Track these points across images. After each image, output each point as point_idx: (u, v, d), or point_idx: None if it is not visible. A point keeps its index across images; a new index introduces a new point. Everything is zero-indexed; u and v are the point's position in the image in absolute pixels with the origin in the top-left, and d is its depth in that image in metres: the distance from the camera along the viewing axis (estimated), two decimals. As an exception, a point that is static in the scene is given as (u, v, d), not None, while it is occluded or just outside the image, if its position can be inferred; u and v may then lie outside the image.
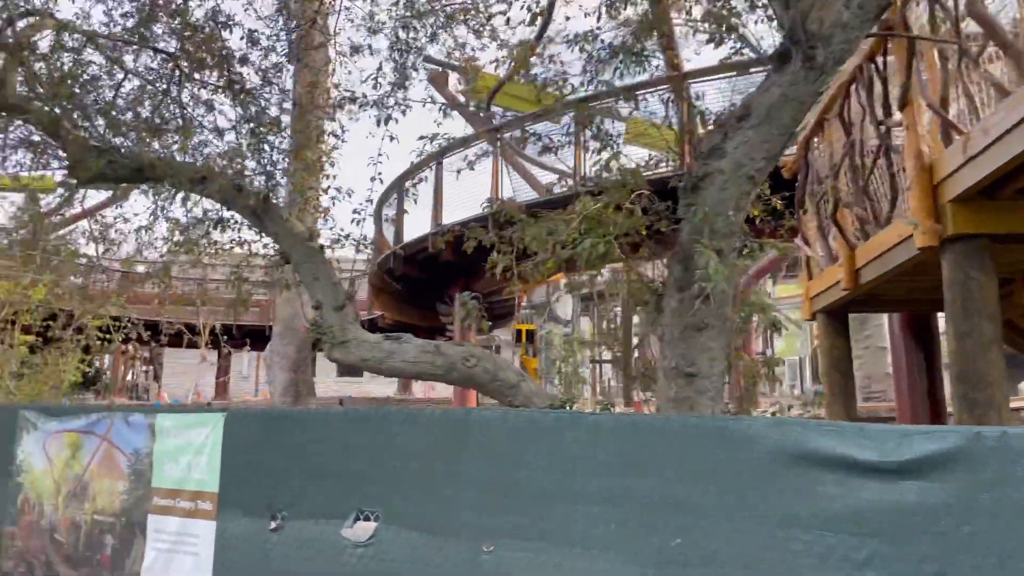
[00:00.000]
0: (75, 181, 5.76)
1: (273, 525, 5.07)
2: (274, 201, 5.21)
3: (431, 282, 16.20)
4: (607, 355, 26.90)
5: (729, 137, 3.97)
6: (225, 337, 21.97)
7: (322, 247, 5.33)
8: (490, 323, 7.04)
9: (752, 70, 9.80)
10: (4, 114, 5.95)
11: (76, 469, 6.35)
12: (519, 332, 22.54)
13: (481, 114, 20.22)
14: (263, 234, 5.29)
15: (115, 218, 7.91)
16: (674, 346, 4.19)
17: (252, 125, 5.63)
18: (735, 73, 11.85)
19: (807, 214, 8.45)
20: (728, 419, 4.01)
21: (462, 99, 23.63)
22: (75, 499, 6.31)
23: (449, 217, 15.14)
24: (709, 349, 4.17)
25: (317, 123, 7.52)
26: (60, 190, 10.38)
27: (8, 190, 9.31)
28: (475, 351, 5.03)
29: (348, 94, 6.86)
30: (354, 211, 6.79)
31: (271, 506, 5.12)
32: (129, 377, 41.90)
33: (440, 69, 23.37)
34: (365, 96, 5.88)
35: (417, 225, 16.56)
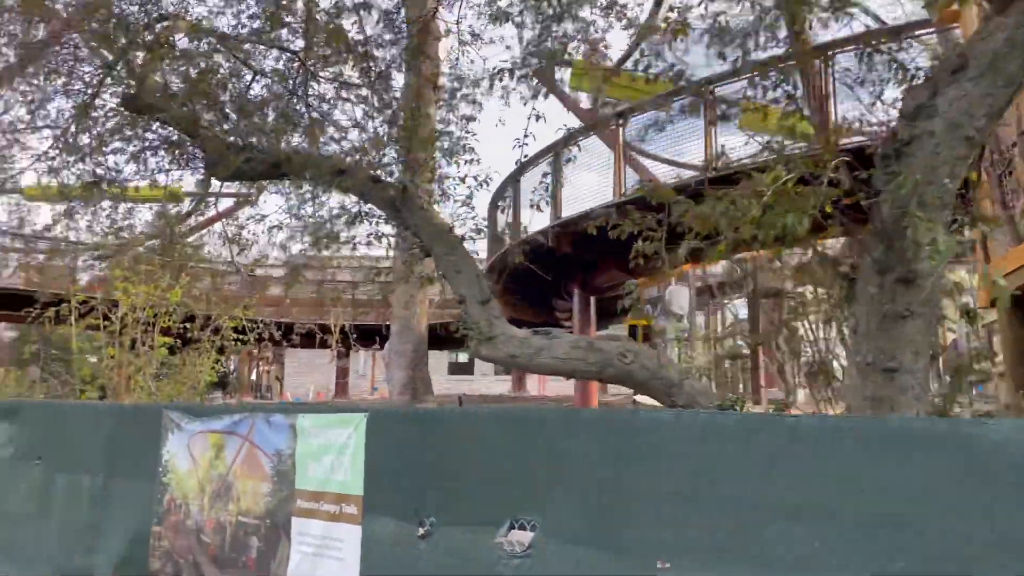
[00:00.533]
0: (213, 178, 5.76)
1: (421, 531, 4.81)
2: (412, 192, 4.98)
3: (547, 278, 15.89)
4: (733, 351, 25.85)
5: (940, 93, 3.41)
6: (355, 335, 22.35)
7: (462, 238, 5.08)
8: (650, 315, 6.57)
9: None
10: (143, 115, 5.99)
11: (220, 469, 6.33)
12: (633, 328, 21.93)
13: (590, 106, 19.78)
14: (401, 227, 5.07)
15: (248, 219, 7.93)
16: (871, 338, 3.66)
17: (390, 111, 5.43)
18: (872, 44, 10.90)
19: (983, 188, 7.58)
20: (964, 422, 3.44)
21: (568, 91, 23.23)
22: (220, 500, 6.29)
23: (564, 213, 14.80)
24: (913, 341, 3.62)
25: (429, 115, 7.31)
26: (188, 200, 10.68)
27: (139, 200, 9.57)
28: (632, 346, 4.63)
29: (471, 78, 6.59)
30: (463, 203, 6.53)
31: (418, 511, 4.87)
32: (253, 377, 43.72)
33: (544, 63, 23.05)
34: (498, 75, 5.59)
35: (531, 221, 16.26)
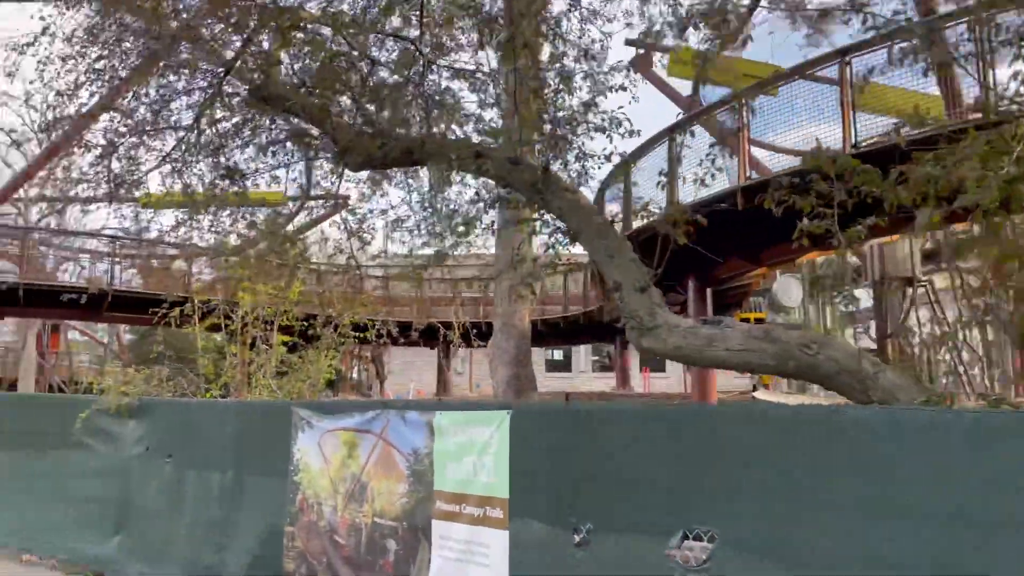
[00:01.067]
0: (344, 168, 5.57)
1: (577, 539, 4.44)
2: (555, 175, 4.63)
3: (659, 271, 15.31)
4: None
5: None
6: (474, 332, 22.25)
7: (612, 221, 4.69)
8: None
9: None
10: (270, 106, 5.85)
11: (353, 469, 6.15)
12: (743, 321, 21.04)
13: (691, 94, 19.00)
14: (544, 211, 4.73)
15: (369, 212, 7.75)
16: None
17: (531, 89, 5.11)
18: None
19: None
20: None
21: (667, 79, 22.48)
22: (354, 500, 6.10)
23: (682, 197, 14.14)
24: None
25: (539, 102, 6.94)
26: (291, 203, 10.70)
27: (241, 205, 9.58)
28: (816, 336, 4.13)
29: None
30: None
31: (573, 517, 4.50)
32: (354, 374, 44.53)
33: (642, 51, 22.37)
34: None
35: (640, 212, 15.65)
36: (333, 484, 6.31)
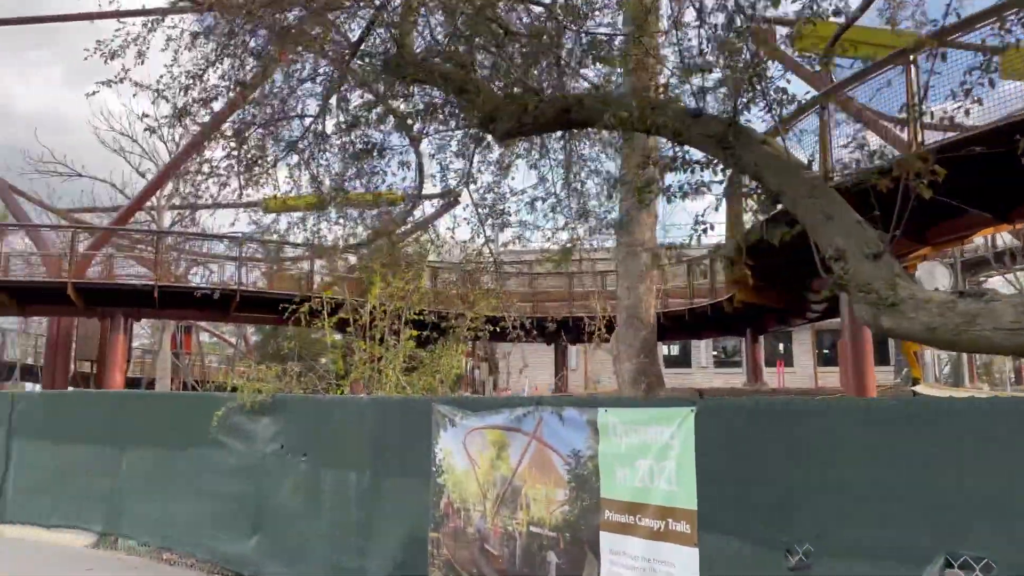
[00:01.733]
0: (490, 138, 5.05)
1: (791, 562, 3.69)
2: (745, 125, 3.91)
3: (800, 256, 14.10)
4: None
5: None
6: (606, 327, 21.56)
7: (828, 176, 3.94)
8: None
9: None
10: (405, 78, 5.38)
11: (503, 471, 5.59)
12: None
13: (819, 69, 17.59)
14: (733, 168, 4.02)
15: (501, 195, 7.21)
16: None
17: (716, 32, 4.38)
18: None
19: None
20: None
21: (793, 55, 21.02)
22: (505, 506, 5.54)
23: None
24: None
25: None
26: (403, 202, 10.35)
27: (357, 205, 9.27)
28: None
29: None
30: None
31: (784, 535, 3.75)
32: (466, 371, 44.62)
33: (766, 25, 21.03)
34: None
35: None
36: (481, 488, 5.78)
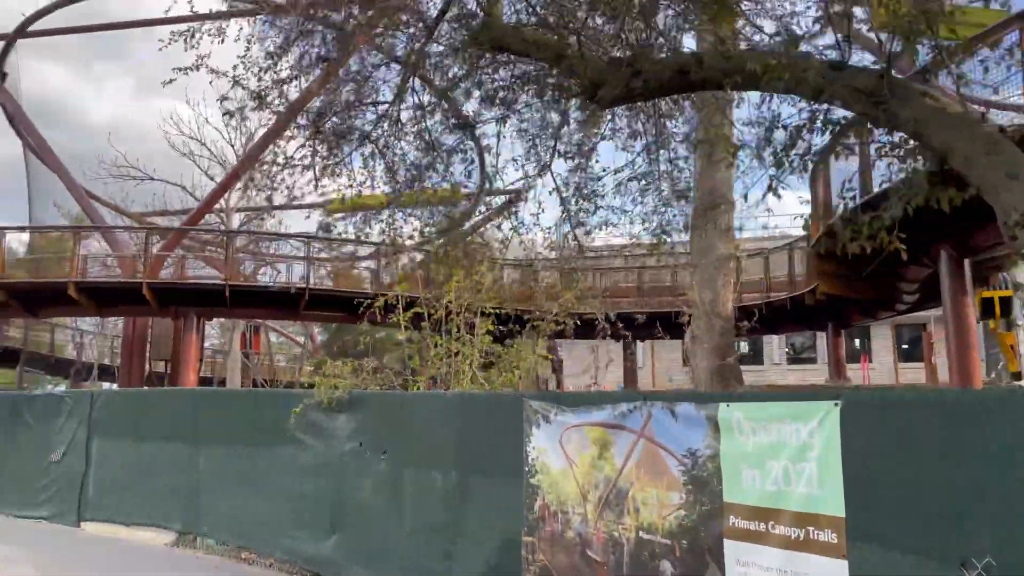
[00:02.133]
0: (594, 107, 4.63)
1: (972, 581, 3.17)
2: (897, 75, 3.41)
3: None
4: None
5: None
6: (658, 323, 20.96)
7: (1002, 129, 3.43)
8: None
9: None
10: (494, 50, 5.00)
11: (607, 472, 5.16)
12: (986, 303, 18.14)
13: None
14: (887, 126, 3.52)
15: (588, 177, 6.79)
16: None
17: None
18: None
19: None
20: None
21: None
22: (609, 509, 5.11)
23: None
24: None
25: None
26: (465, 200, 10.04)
27: (425, 203, 8.98)
28: None
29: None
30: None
31: (958, 547, 3.23)
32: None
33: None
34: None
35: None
36: (581, 489, 5.36)
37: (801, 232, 20.60)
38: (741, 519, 4.18)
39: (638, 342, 35.62)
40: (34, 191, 28.38)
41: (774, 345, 35.92)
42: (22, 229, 23.71)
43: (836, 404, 3.78)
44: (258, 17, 8.17)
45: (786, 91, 3.69)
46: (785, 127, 3.96)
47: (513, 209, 9.40)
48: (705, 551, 4.38)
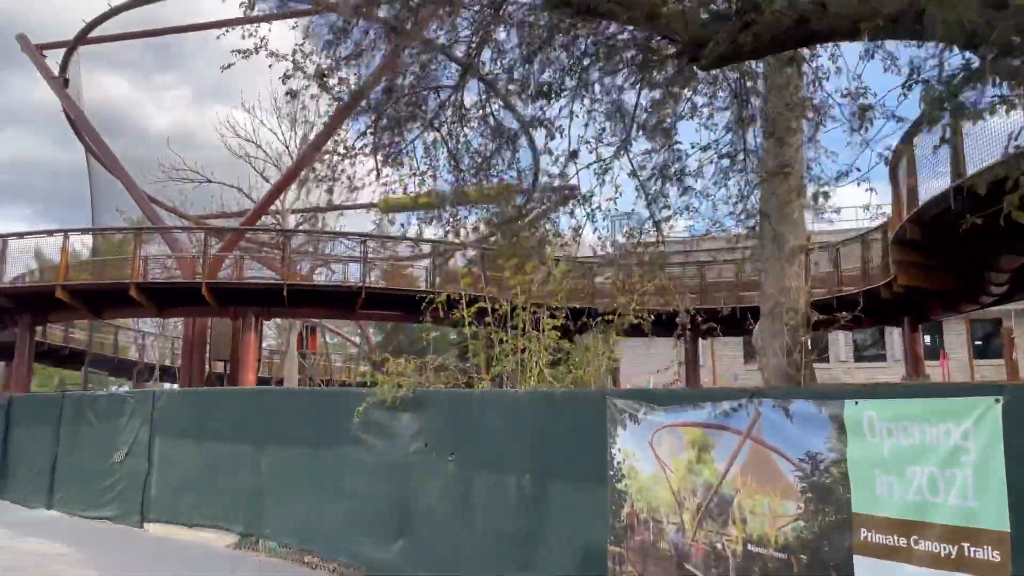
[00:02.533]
0: (695, 69, 4.18)
1: None
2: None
3: (988, 237, 12.33)
4: None
5: None
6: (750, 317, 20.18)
7: None
8: None
9: None
10: (577, 14, 4.55)
11: (706, 476, 4.67)
12: None
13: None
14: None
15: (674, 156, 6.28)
16: None
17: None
18: None
19: None
20: None
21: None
22: (710, 519, 4.62)
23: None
24: None
25: None
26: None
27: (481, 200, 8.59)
28: None
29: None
30: None
31: None
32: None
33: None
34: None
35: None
36: (676, 496, 4.88)
37: (872, 224, 19.63)
38: (876, 533, 3.66)
39: (699, 340, 34.66)
40: (96, 196, 28.91)
41: (840, 342, 34.66)
42: (85, 232, 24.07)
43: (997, 400, 3.24)
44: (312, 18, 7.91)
45: (934, 40, 3.15)
46: (926, 81, 3.42)
47: (574, 202, 8.98)
48: (831, 568, 3.86)
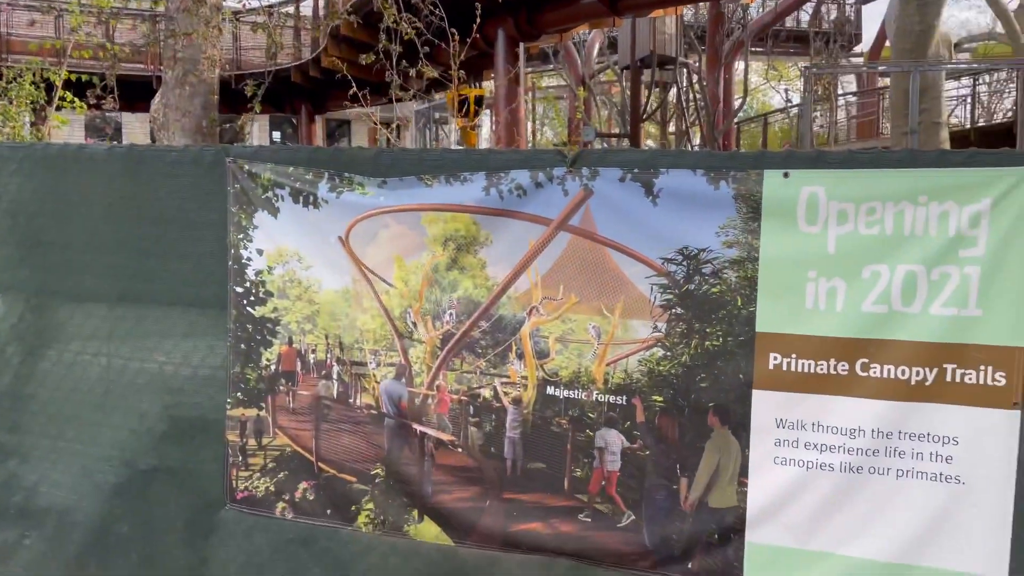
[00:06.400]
0: None
1: None
2: None
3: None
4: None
5: None
6: None
7: None
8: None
9: None
10: None
11: (466, 290, 2.91)
12: (462, 100, 18.04)
13: None
14: None
15: None
16: None
17: None
18: None
19: None
20: None
21: None
22: (472, 353, 2.93)
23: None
24: None
25: None
26: None
27: None
28: None
29: None
30: None
31: None
32: None
33: None
34: None
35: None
36: (396, 323, 3.03)
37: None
38: (798, 359, 2.57)
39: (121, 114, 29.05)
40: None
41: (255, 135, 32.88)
42: None
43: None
44: None
45: None
46: None
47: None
48: (708, 410, 2.68)
